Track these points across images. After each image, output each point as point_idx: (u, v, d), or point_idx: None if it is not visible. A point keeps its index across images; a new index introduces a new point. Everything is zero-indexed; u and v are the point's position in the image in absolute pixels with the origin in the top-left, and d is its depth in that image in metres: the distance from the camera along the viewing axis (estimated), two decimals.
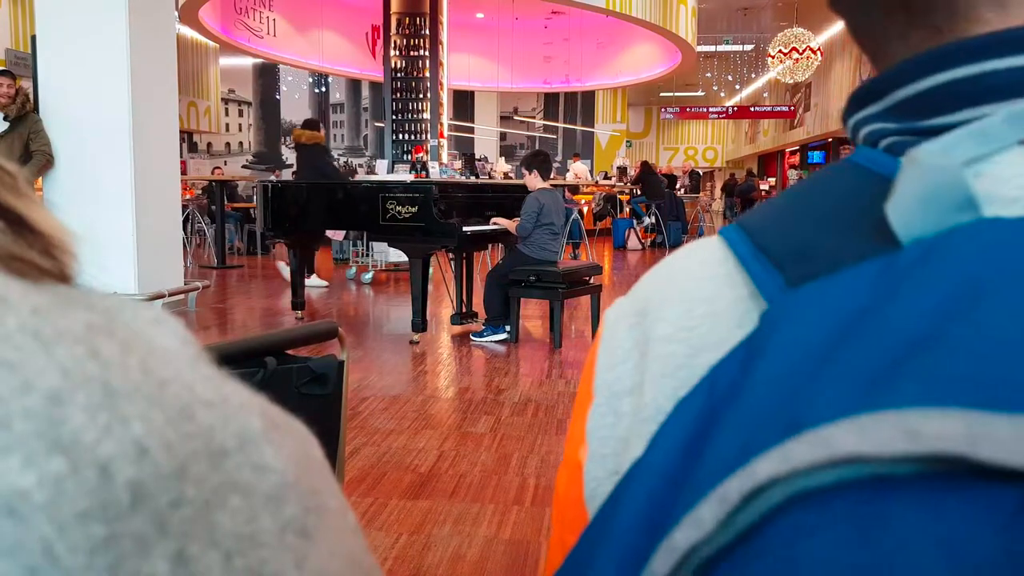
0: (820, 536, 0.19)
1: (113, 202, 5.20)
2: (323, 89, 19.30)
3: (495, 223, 5.10)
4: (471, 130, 16.23)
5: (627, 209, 13.44)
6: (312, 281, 7.25)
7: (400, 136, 10.79)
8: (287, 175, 15.85)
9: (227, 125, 18.55)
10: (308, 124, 7.24)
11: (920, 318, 0.21)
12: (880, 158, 0.30)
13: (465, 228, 4.80)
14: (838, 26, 16.68)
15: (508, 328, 4.99)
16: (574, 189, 11.96)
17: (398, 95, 10.79)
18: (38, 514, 0.16)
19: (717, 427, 0.24)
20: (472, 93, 17.02)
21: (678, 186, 14.51)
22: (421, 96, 10.75)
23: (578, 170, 13.58)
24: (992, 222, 0.23)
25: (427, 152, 8.95)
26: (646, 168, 12.83)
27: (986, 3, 0.29)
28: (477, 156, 12.36)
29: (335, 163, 8.21)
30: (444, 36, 11.04)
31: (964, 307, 0.20)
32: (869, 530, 0.18)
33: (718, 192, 23.68)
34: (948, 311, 0.21)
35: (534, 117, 19.51)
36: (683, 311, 0.30)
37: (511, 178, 8.90)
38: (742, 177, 20.36)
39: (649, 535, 0.23)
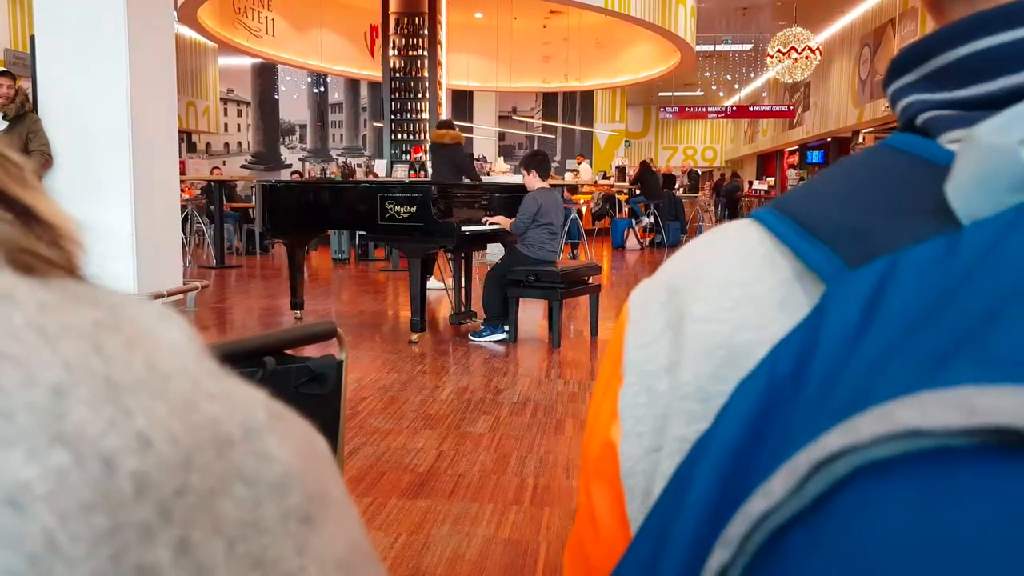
0: (886, 503, 0.20)
1: (112, 202, 5.19)
2: (322, 89, 19.30)
3: (492, 222, 5.10)
4: (470, 130, 16.22)
5: (626, 209, 13.44)
6: (432, 284, 7.34)
7: (399, 136, 10.78)
8: (285, 175, 15.84)
9: (226, 125, 18.54)
10: (445, 124, 7.36)
11: (981, 298, 0.22)
12: (917, 142, 0.30)
13: (464, 228, 4.80)
14: (837, 25, 16.70)
15: (507, 328, 4.99)
16: (573, 189, 11.97)
17: (397, 95, 10.79)
18: (40, 505, 0.17)
19: (784, 405, 0.24)
20: (471, 93, 17.01)
21: (677, 186, 14.51)
22: (420, 96, 10.75)
23: (584, 172, 13.58)
24: None
25: (425, 152, 8.94)
26: (645, 168, 12.83)
27: None
28: (476, 156, 12.36)
29: (474, 161, 8.27)
30: (443, 36, 11.03)
31: (1022, 288, 0.21)
32: (932, 497, 0.19)
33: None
34: (1007, 292, 0.21)
35: (532, 117, 19.51)
36: (720, 292, 0.31)
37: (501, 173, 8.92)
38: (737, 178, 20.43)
39: (720, 507, 0.24)
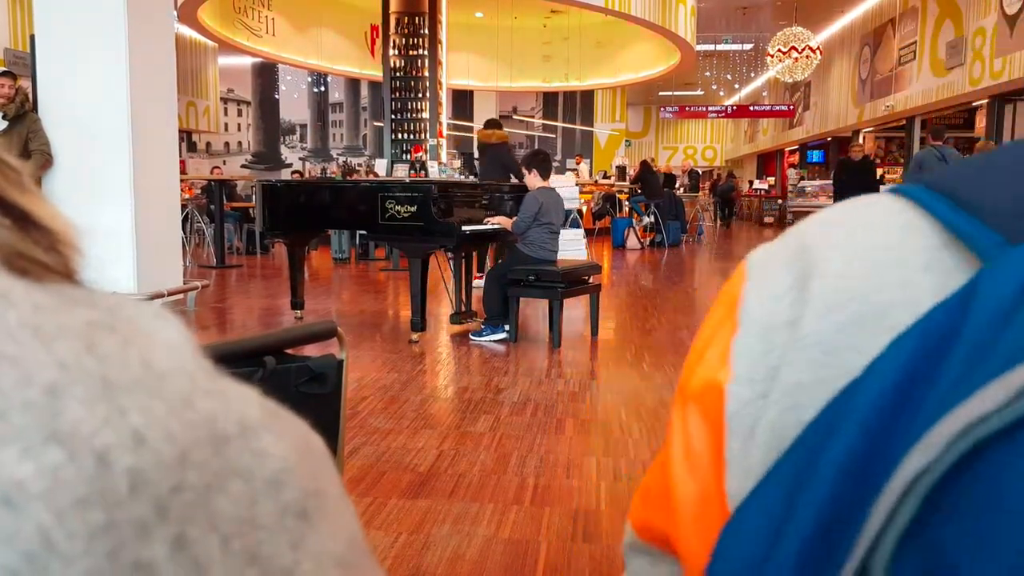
0: None
1: (112, 201, 5.19)
2: (322, 88, 19.30)
3: (493, 222, 5.11)
4: (470, 129, 16.22)
5: (626, 208, 13.44)
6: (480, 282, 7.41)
7: (399, 135, 10.79)
8: (285, 175, 15.84)
9: (226, 124, 18.54)
10: (493, 124, 7.50)
11: None
12: None
13: (464, 227, 4.80)
14: (837, 25, 16.70)
15: (507, 327, 5.00)
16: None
17: (397, 94, 10.79)
18: (35, 502, 0.17)
19: (940, 366, 0.25)
20: (471, 92, 17.02)
21: (677, 185, 14.51)
22: (420, 95, 10.75)
23: (582, 171, 13.62)
24: None
25: (426, 151, 8.94)
26: (645, 167, 12.84)
27: None
28: (476, 155, 12.37)
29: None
30: (443, 35, 11.03)
31: None
32: None
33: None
34: None
35: (533, 116, 19.52)
36: (859, 250, 0.31)
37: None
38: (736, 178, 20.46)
39: (866, 458, 0.25)
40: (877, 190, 0.53)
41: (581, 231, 8.74)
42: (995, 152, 0.33)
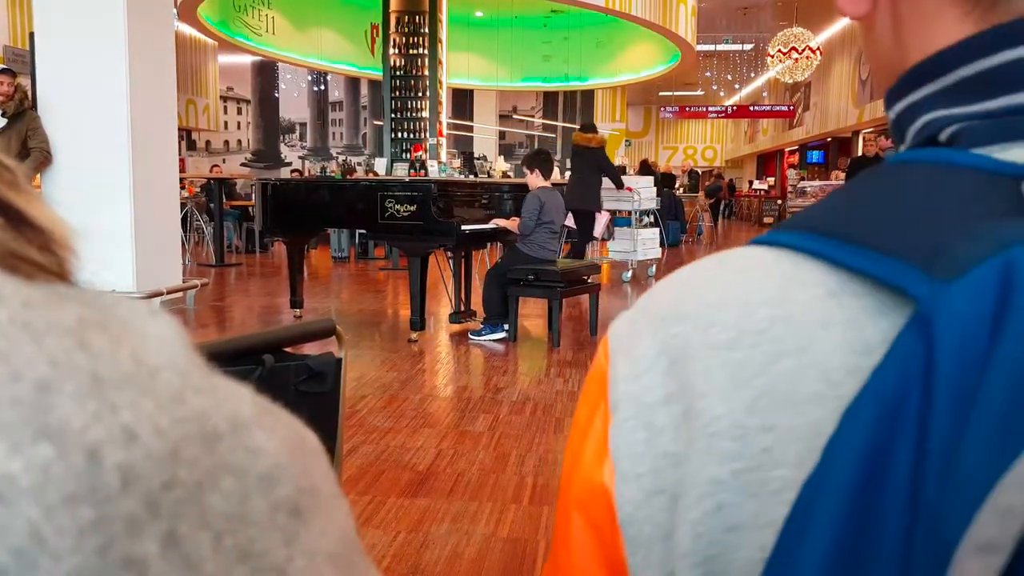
0: None
1: (111, 200, 5.19)
2: (322, 87, 19.29)
3: (495, 223, 5.11)
4: (470, 129, 16.22)
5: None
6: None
7: (399, 134, 10.78)
8: (285, 173, 15.83)
9: (226, 123, 18.53)
10: (591, 128, 7.64)
11: None
12: (962, 155, 0.29)
13: (464, 227, 4.80)
14: (838, 26, 16.69)
15: (507, 327, 4.99)
16: None
17: (397, 93, 10.78)
18: (24, 498, 0.17)
19: (906, 429, 0.23)
20: (471, 92, 17.01)
21: (677, 185, 14.51)
22: (420, 94, 10.74)
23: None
24: None
25: (426, 151, 8.94)
26: (645, 167, 12.84)
27: None
28: (476, 155, 12.36)
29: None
30: (443, 34, 11.03)
31: None
32: None
33: None
34: None
35: (533, 116, 19.51)
36: (740, 315, 0.28)
37: (509, 177, 8.92)
38: (736, 180, 20.45)
39: (851, 548, 0.23)
40: None
41: (657, 231, 8.85)
42: (854, 187, 0.31)
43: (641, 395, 0.30)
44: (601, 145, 7.50)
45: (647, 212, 11.76)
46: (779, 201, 19.63)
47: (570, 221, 7.96)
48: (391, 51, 10.74)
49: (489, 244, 6.33)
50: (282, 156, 19.25)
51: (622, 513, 0.29)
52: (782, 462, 0.26)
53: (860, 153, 11.35)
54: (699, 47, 15.82)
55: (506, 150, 18.06)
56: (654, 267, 8.78)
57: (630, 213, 8.45)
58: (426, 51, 10.69)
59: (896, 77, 0.34)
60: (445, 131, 11.73)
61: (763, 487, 0.26)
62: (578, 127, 8.19)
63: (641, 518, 0.29)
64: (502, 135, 18.76)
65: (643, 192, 8.29)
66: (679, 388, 0.29)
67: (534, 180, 5.04)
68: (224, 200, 9.70)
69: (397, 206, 4.73)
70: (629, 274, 8.42)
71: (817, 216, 0.30)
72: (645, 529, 0.29)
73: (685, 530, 0.27)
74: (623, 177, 8.17)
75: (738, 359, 0.27)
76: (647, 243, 8.47)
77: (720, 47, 19.46)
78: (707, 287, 0.31)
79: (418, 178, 5.54)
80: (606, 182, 7.56)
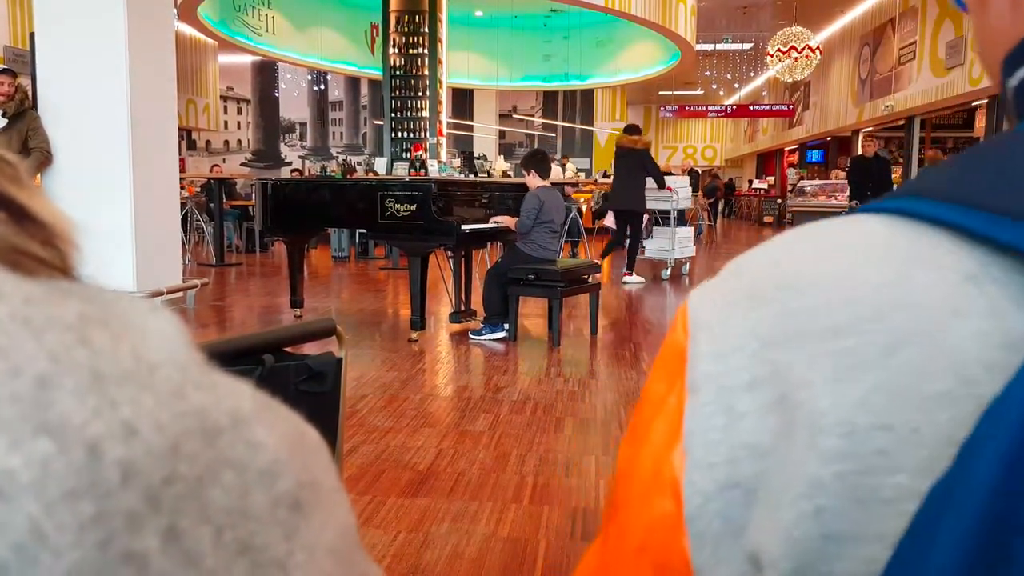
0: None
1: (112, 199, 5.19)
2: (322, 87, 19.28)
3: (495, 221, 5.12)
4: (470, 128, 16.22)
5: None
6: (631, 279, 7.80)
7: (399, 134, 10.78)
8: (285, 173, 15.83)
9: (226, 123, 18.53)
10: (636, 130, 7.80)
11: None
12: None
13: (464, 226, 4.80)
14: (837, 25, 16.68)
15: (507, 326, 5.00)
16: (574, 187, 11.97)
17: (397, 93, 10.78)
18: (25, 494, 0.17)
19: None
20: (471, 91, 17.00)
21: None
22: (420, 94, 10.74)
23: (569, 170, 13.67)
24: None
25: (426, 150, 8.94)
26: None
27: None
28: (476, 154, 12.37)
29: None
30: (443, 33, 11.02)
31: None
32: None
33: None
34: None
35: (533, 115, 19.50)
36: (849, 296, 0.25)
37: (509, 176, 8.92)
38: (736, 179, 20.44)
39: (991, 567, 0.21)
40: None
41: (691, 229, 8.96)
42: (982, 150, 0.27)
43: (724, 377, 0.27)
44: (647, 147, 7.69)
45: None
46: (779, 200, 19.63)
47: (609, 220, 8.06)
48: (391, 50, 10.74)
49: (489, 243, 6.33)
50: (282, 156, 19.25)
51: (689, 508, 0.26)
52: (900, 467, 0.23)
53: (859, 152, 11.29)
54: (699, 46, 15.82)
55: (506, 149, 18.06)
56: (688, 264, 8.88)
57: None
58: (426, 50, 10.69)
59: (1012, 48, 0.31)
60: (445, 130, 11.73)
61: (873, 494, 0.23)
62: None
63: (709, 513, 0.26)
64: (502, 134, 18.76)
65: (681, 192, 8.41)
66: (770, 374, 0.26)
67: (532, 180, 5.05)
68: (224, 200, 9.70)
69: (397, 206, 4.73)
70: (668, 272, 8.47)
71: (944, 179, 0.26)
72: (715, 524, 0.26)
73: (775, 533, 0.24)
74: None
75: (848, 347, 0.24)
76: (683, 241, 8.60)
77: (720, 46, 19.45)
78: (808, 261, 0.27)
79: (418, 178, 5.54)
80: (647, 182, 7.71)
